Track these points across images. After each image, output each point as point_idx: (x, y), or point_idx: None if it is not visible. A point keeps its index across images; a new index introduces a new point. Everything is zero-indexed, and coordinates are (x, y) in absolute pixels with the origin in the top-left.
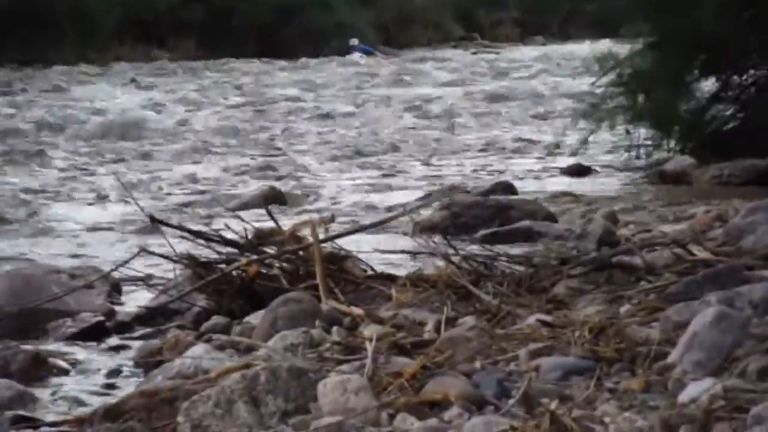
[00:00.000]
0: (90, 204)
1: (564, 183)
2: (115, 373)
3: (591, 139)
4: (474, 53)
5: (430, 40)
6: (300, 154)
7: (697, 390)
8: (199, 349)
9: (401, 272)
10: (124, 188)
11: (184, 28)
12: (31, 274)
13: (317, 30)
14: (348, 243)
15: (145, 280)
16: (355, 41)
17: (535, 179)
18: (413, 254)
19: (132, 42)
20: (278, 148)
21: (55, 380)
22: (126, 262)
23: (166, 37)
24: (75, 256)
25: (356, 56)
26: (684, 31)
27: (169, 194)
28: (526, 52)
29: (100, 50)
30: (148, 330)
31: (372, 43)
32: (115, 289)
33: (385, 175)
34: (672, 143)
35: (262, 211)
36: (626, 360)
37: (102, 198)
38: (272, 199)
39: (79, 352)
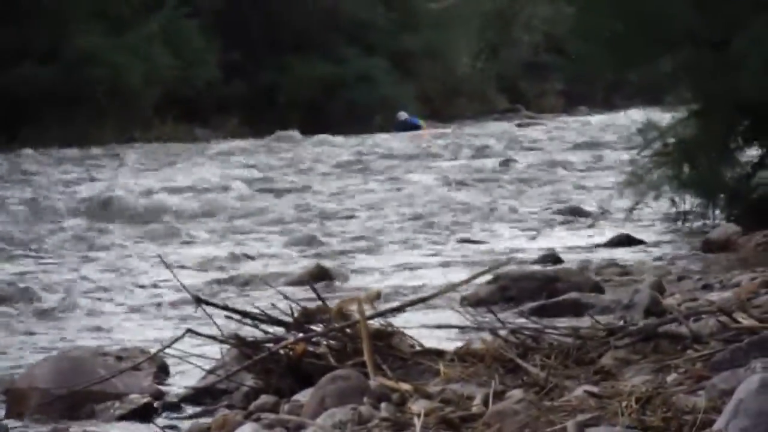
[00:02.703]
0: (136, 285)
1: (610, 253)
2: None
3: (636, 209)
4: (518, 124)
5: (475, 112)
6: (347, 228)
7: None
8: (247, 428)
9: (449, 347)
10: (169, 269)
11: (226, 106)
12: (78, 356)
13: (362, 105)
14: (395, 319)
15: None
16: (404, 114)
17: (582, 250)
18: (460, 329)
19: (174, 121)
20: (326, 223)
21: None
22: (172, 342)
23: (208, 115)
24: (121, 337)
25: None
26: (726, 98)
27: (213, 273)
28: (570, 123)
29: (143, 129)
30: (197, 410)
31: (417, 116)
32: (163, 370)
33: (431, 249)
34: (717, 211)
35: (309, 288)
36: (673, 429)
37: (148, 279)
38: (319, 276)
39: None
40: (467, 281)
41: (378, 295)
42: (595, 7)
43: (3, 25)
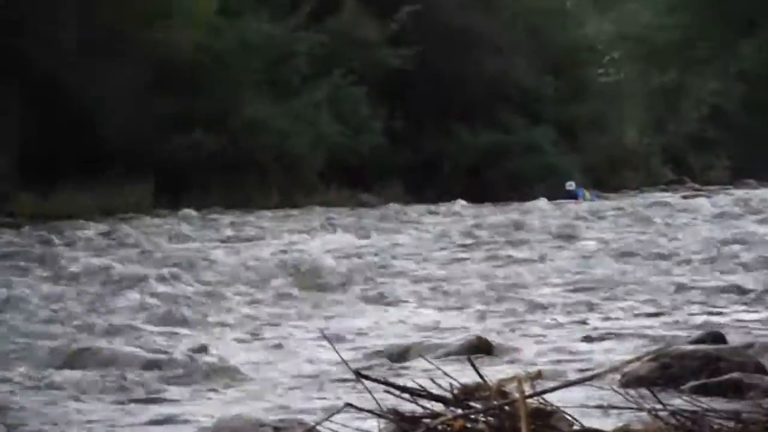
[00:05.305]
0: (297, 355)
1: None
2: None
3: None
4: (683, 196)
5: (640, 184)
6: (511, 297)
7: None
8: None
9: (608, 427)
10: (328, 340)
11: (390, 173)
12: (238, 426)
13: (526, 174)
14: (554, 396)
15: None
16: (572, 184)
17: (746, 329)
18: (620, 409)
19: (338, 186)
20: (491, 294)
21: None
22: (330, 416)
23: (372, 182)
24: (280, 408)
25: (589, 200)
26: None
27: (372, 342)
28: (739, 196)
29: (306, 194)
30: None
31: (583, 187)
32: None
33: (594, 321)
34: None
35: (469, 359)
36: None
37: (309, 349)
38: (479, 349)
39: None
40: (629, 362)
41: (539, 375)
42: (765, 82)
43: (174, 94)
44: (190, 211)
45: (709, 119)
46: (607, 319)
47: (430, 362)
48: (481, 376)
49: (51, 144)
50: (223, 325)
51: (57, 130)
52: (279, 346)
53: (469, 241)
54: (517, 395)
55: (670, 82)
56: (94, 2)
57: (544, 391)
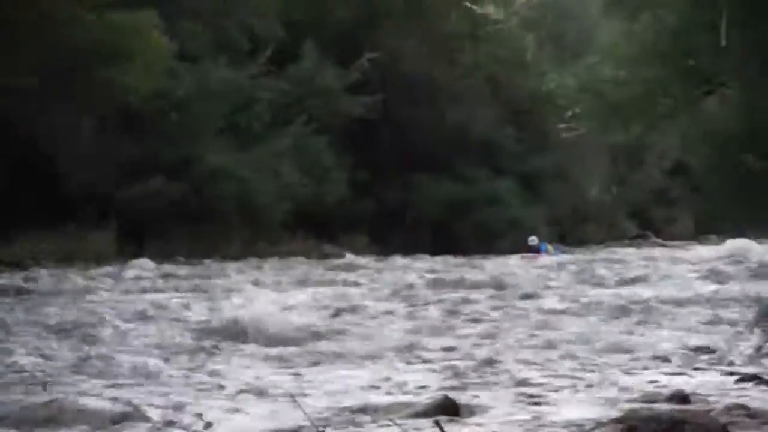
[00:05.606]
0: (253, 413)
1: (738, 394)
2: None
3: (765, 346)
4: (646, 251)
5: (604, 238)
6: (478, 354)
7: None
8: None
9: None
10: (292, 397)
11: (354, 224)
12: None
13: (491, 227)
14: None
15: None
16: (534, 239)
17: (709, 389)
18: None
19: (303, 237)
20: (452, 352)
21: None
22: None
23: (337, 233)
24: None
25: (552, 255)
26: None
27: (337, 400)
28: (701, 252)
29: (270, 244)
30: None
31: (546, 242)
32: None
33: (561, 381)
34: None
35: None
36: None
37: (264, 407)
38: (445, 409)
39: None
40: (598, 426)
41: None
42: (728, 142)
43: (135, 140)
44: (146, 261)
45: (672, 174)
46: (573, 378)
47: (396, 423)
48: None
49: (11, 189)
50: (168, 384)
51: (17, 175)
52: (238, 405)
53: (427, 296)
54: None
55: (632, 137)
56: (53, 46)
57: None
